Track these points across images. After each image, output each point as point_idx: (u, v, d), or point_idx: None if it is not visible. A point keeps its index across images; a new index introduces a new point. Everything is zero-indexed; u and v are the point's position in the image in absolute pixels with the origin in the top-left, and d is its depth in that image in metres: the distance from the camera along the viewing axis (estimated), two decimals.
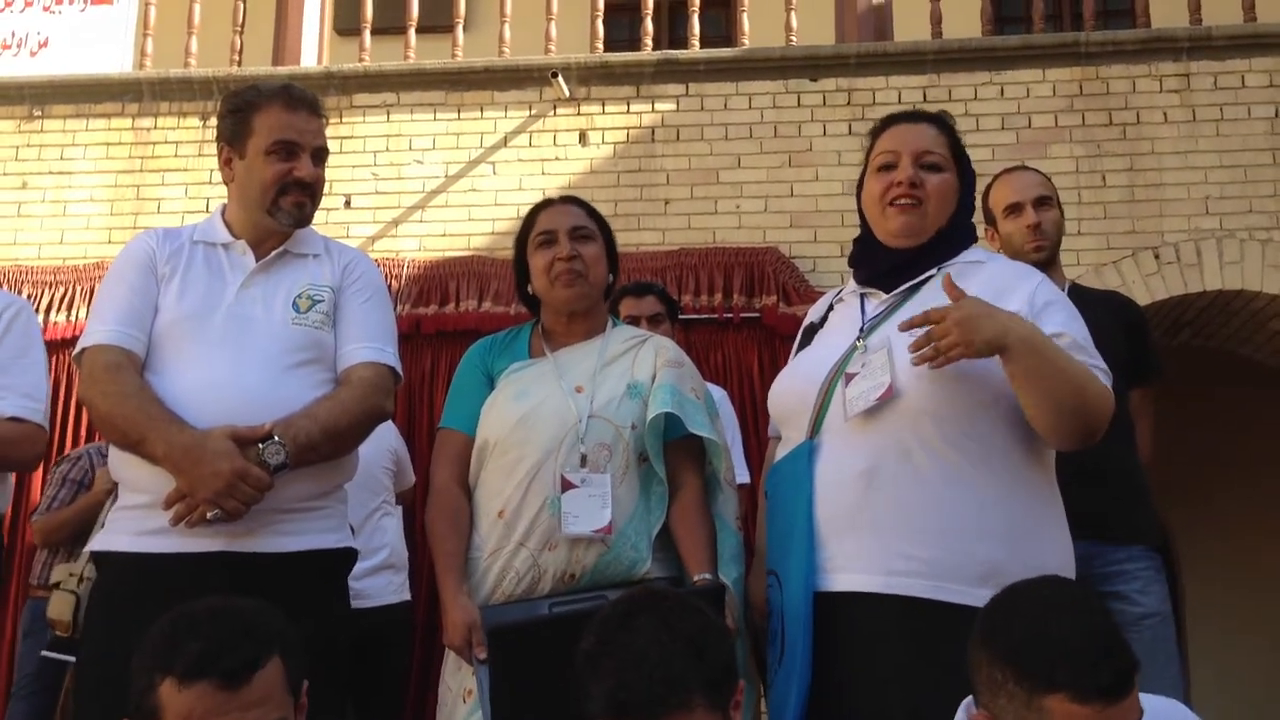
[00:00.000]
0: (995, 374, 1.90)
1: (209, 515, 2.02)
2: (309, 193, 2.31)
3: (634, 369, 2.38)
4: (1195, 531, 6.89)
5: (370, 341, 2.29)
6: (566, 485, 2.23)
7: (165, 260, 2.27)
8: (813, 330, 2.25)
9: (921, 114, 2.23)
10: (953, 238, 2.13)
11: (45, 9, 6.05)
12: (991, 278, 2.04)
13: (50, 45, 6.00)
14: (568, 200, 2.54)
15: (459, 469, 2.37)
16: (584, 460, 2.26)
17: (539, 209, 2.52)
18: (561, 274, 2.38)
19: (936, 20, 5.63)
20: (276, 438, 2.07)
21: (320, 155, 2.34)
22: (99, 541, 2.17)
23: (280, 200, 2.28)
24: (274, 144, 2.26)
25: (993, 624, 1.54)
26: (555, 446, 2.26)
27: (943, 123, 2.19)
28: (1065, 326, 1.97)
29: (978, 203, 2.35)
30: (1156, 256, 5.17)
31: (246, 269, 2.29)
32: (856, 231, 2.27)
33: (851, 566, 1.92)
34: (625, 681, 1.56)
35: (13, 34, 6.02)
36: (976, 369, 1.89)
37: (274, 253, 2.31)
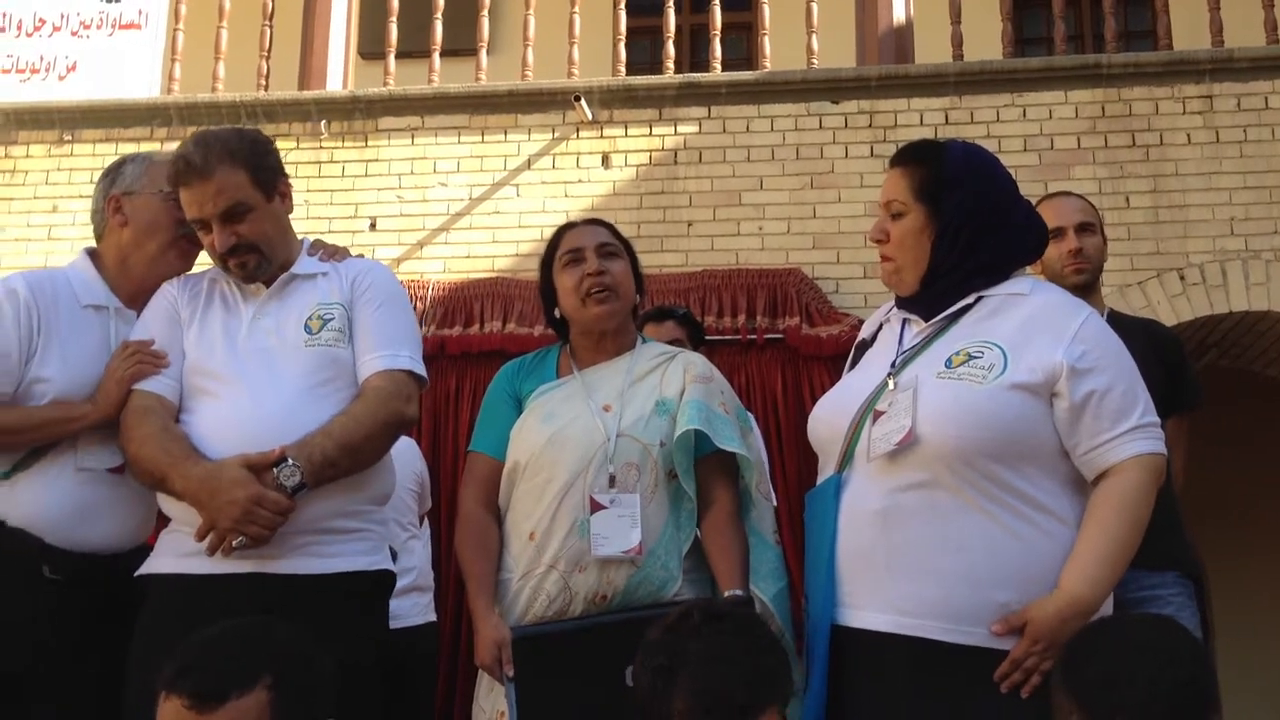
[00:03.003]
0: (1024, 428, 1.90)
1: (234, 543, 2.06)
2: (241, 253, 2.27)
3: (662, 385, 2.37)
4: (1223, 550, 6.83)
5: (384, 350, 2.29)
6: (595, 506, 2.23)
7: (185, 305, 2.33)
8: (864, 347, 2.24)
9: (897, 156, 2.17)
10: (963, 269, 2.06)
11: (73, 33, 6.11)
12: (1031, 317, 1.99)
13: (79, 69, 6.05)
14: (590, 221, 2.54)
15: (486, 492, 2.37)
16: (612, 480, 2.25)
17: (562, 231, 2.50)
18: (592, 289, 2.36)
19: (958, 42, 5.64)
20: (290, 460, 2.09)
21: (233, 212, 2.25)
22: (146, 565, 2.21)
23: (228, 266, 2.30)
24: (192, 223, 2.29)
25: (1071, 654, 1.56)
26: (583, 467, 2.26)
27: (914, 157, 2.12)
28: (1103, 382, 1.93)
29: None
30: (1182, 278, 5.16)
31: (259, 300, 2.32)
32: (879, 253, 2.25)
33: (866, 604, 1.93)
34: (717, 674, 1.69)
35: (41, 58, 6.08)
36: (1003, 421, 1.89)
37: (279, 279, 2.34)
